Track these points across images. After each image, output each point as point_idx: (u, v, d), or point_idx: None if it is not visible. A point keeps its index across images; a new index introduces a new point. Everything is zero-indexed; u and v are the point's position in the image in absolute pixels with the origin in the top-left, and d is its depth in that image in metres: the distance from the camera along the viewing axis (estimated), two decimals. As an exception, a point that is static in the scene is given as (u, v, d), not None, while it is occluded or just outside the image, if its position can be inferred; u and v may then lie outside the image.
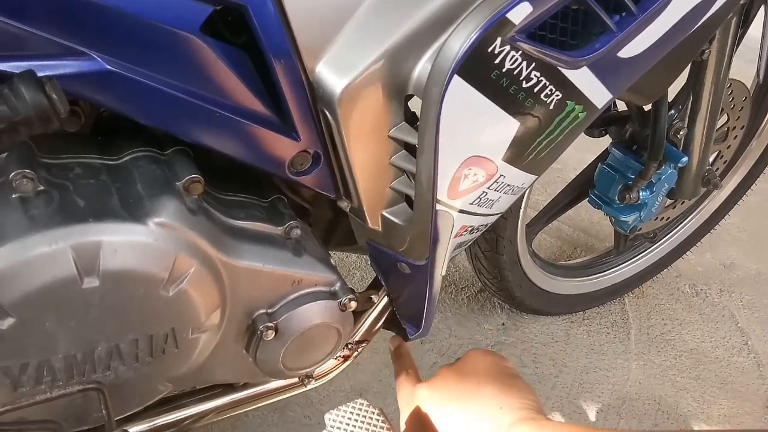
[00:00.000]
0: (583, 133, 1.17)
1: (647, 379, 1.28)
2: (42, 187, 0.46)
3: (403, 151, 0.60)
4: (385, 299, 0.80)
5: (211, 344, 0.59)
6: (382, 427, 0.59)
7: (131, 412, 0.59)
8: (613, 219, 1.12)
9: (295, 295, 0.62)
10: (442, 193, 0.56)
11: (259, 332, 0.60)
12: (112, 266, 0.47)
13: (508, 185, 0.62)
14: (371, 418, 0.60)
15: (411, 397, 0.64)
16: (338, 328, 0.65)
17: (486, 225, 0.72)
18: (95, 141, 0.55)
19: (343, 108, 0.54)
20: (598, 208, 1.14)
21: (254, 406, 0.75)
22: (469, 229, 0.67)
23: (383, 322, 0.83)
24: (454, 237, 0.65)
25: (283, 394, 0.76)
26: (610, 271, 1.38)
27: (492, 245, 1.09)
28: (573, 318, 1.40)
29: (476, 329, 1.34)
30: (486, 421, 0.54)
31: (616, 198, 1.07)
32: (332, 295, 0.64)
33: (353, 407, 0.60)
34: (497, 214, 0.70)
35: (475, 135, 0.54)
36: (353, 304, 0.64)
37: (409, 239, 0.65)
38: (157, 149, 0.55)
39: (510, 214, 1.04)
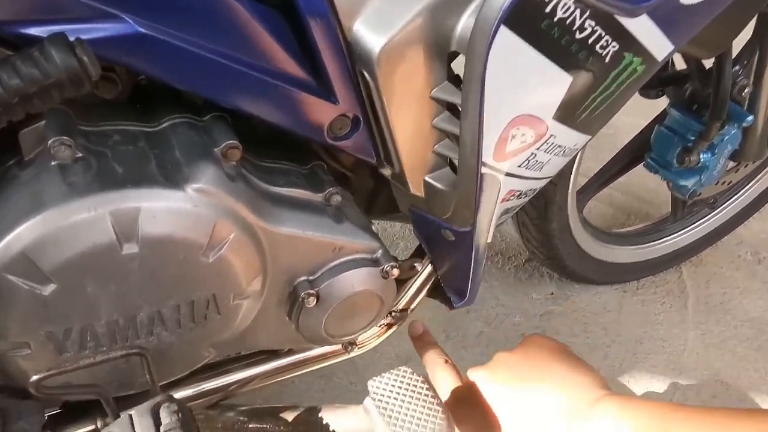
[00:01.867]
0: (637, 95, 1.11)
1: (705, 349, 1.23)
2: (80, 155, 0.46)
3: (446, 112, 0.57)
4: (429, 267, 0.78)
5: (253, 311, 0.58)
6: (426, 395, 0.57)
7: (176, 378, 0.59)
8: (672, 184, 1.07)
9: (337, 262, 0.61)
10: (487, 156, 0.54)
11: (300, 299, 0.59)
12: (151, 232, 0.46)
13: (559, 146, 0.59)
14: (415, 385, 0.58)
15: (459, 384, 0.62)
16: (380, 295, 0.64)
17: (535, 190, 0.68)
18: (133, 108, 0.54)
19: (382, 68, 0.52)
20: (655, 173, 1.08)
21: (298, 373, 0.75)
22: (517, 193, 0.64)
23: (428, 291, 0.82)
24: (501, 202, 0.62)
25: (327, 361, 0.75)
26: (666, 238, 1.32)
27: (541, 212, 1.05)
28: (626, 287, 1.35)
29: (524, 298, 1.31)
30: (564, 399, 0.52)
31: (675, 161, 1.01)
32: (374, 263, 0.62)
33: (397, 374, 0.59)
34: (547, 177, 0.67)
35: (523, 92, 0.50)
36: (395, 272, 0.63)
37: (454, 205, 0.63)
38: (195, 116, 0.54)
39: (560, 180, 1.00)
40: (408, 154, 0.59)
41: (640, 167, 1.14)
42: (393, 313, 0.78)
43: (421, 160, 0.61)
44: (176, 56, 0.46)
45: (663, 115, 1.06)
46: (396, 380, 0.59)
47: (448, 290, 0.80)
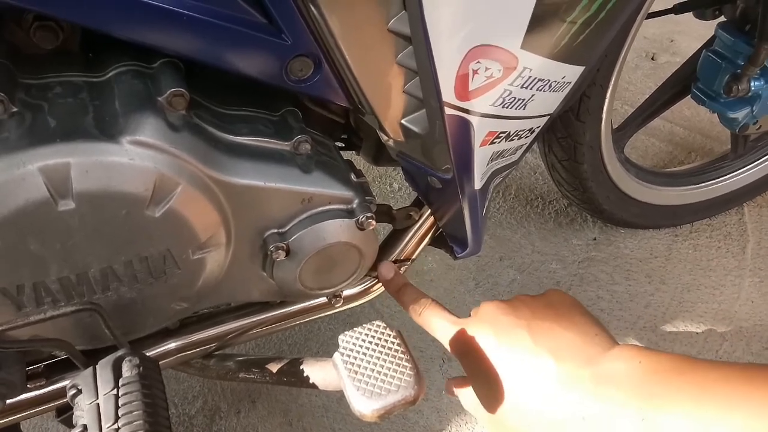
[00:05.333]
0: (693, 17, 0.99)
1: (762, 297, 1.13)
2: (15, 109, 0.45)
3: (410, 47, 0.52)
4: (429, 217, 0.74)
5: (220, 264, 0.57)
6: (397, 350, 0.55)
7: (151, 331, 0.60)
8: (720, 116, 0.96)
9: (307, 214, 0.58)
10: (448, 94, 0.48)
11: (269, 252, 0.57)
12: (85, 188, 0.45)
13: (542, 80, 0.52)
14: (386, 341, 0.56)
15: (454, 323, 0.58)
16: (358, 247, 0.61)
17: (531, 129, 0.62)
18: (83, 58, 0.52)
19: (327, -2, 0.47)
20: (701, 104, 0.97)
21: (295, 323, 0.74)
22: (503, 135, 0.58)
23: (433, 240, 0.78)
24: (482, 146, 0.57)
25: (322, 312, 0.74)
26: (725, 177, 1.21)
27: (569, 153, 0.98)
28: (678, 231, 1.26)
29: (563, 245, 1.24)
30: (581, 341, 0.49)
31: (722, 91, 0.90)
32: (348, 214, 0.59)
33: (369, 328, 0.57)
34: (541, 116, 0.60)
35: (476, 18, 0.44)
36: (372, 223, 0.60)
37: (432, 150, 0.58)
38: (146, 63, 0.52)
39: (588, 117, 0.92)
40: (376, 95, 0.55)
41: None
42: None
43: (393, 102, 0.56)
44: (108, 2, 0.44)
45: (713, 38, 0.94)
46: (367, 335, 0.56)
47: (449, 240, 0.76)
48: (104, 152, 0.45)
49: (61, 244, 0.47)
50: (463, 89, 0.48)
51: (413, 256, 0.76)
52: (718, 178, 1.20)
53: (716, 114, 0.97)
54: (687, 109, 1.52)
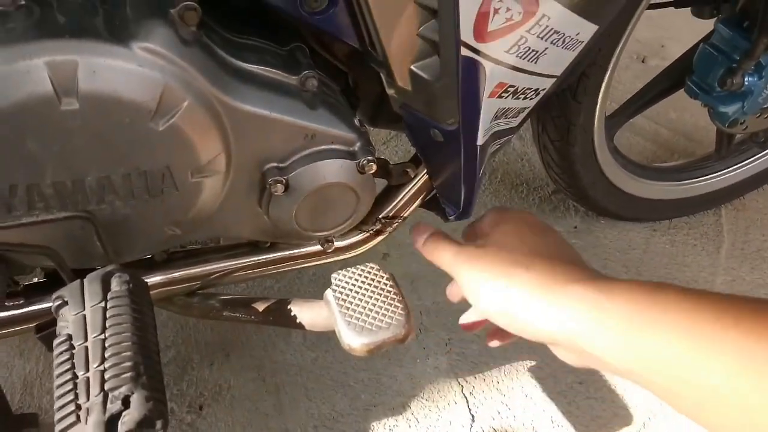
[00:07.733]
0: (693, 16, 1.01)
1: (733, 296, 1.15)
2: (23, 2, 0.44)
3: (429, -15, 0.52)
4: (425, 176, 0.74)
5: (217, 192, 0.56)
6: (390, 291, 0.55)
7: (141, 255, 0.59)
8: (712, 110, 0.97)
9: (309, 150, 0.58)
10: (467, 34, 0.48)
11: (268, 185, 0.57)
12: (91, 88, 0.44)
13: (556, 32, 0.53)
14: (379, 281, 0.56)
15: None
16: (356, 190, 0.61)
17: (536, 90, 0.63)
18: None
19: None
20: (694, 98, 0.99)
21: (282, 269, 0.73)
22: (511, 89, 0.58)
23: (424, 202, 0.78)
24: (491, 97, 0.57)
25: (311, 261, 0.73)
26: (707, 177, 1.23)
27: (562, 134, 0.99)
28: (657, 226, 1.28)
29: (545, 229, 1.25)
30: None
31: (716, 84, 0.92)
32: (350, 155, 0.59)
33: (362, 269, 0.57)
34: (548, 76, 0.61)
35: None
36: (372, 167, 0.59)
37: (439, 97, 0.58)
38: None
39: (585, 97, 0.93)
40: (389, 35, 0.54)
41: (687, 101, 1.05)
42: (383, 220, 0.75)
43: (405, 45, 0.56)
44: None
45: (712, 33, 0.96)
46: (360, 275, 0.56)
47: (443, 201, 0.76)
48: (114, 54, 0.44)
49: (59, 146, 0.46)
50: (482, 29, 0.48)
51: (404, 214, 0.76)
52: (700, 177, 1.23)
53: (707, 108, 0.99)
54: (673, 111, 1.55)
